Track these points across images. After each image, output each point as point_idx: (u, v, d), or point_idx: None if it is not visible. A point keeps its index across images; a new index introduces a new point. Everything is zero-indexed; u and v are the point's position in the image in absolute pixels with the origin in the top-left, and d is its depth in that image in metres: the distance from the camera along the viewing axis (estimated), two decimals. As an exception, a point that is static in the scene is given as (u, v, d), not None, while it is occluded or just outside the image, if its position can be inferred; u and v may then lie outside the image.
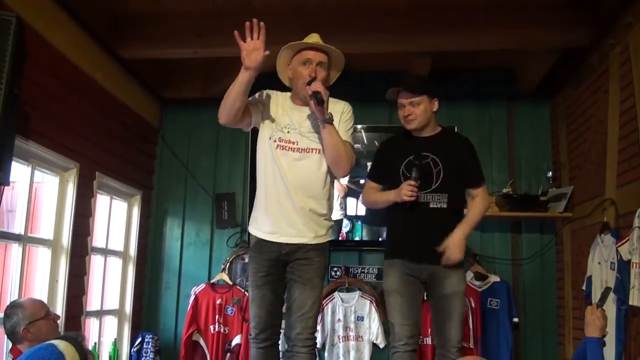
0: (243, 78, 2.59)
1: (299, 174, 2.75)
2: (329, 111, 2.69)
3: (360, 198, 3.38)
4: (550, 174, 4.64)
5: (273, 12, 3.93)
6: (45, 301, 3.08)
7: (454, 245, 2.89)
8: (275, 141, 2.76)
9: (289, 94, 2.91)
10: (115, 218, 4.52)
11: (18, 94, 2.62)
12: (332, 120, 2.71)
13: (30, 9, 3.09)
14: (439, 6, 3.82)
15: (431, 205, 2.95)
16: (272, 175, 2.75)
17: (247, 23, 2.59)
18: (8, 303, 2.94)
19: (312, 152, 2.77)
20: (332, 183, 2.89)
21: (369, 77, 4.88)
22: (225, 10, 3.91)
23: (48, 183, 3.71)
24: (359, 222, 4.74)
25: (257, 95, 2.86)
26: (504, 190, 4.59)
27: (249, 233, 4.70)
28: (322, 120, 2.68)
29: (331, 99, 2.75)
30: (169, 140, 5.12)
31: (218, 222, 4.93)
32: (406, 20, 3.88)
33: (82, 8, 3.64)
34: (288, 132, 2.78)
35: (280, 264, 2.77)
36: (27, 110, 3.08)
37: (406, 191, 2.88)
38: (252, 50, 2.56)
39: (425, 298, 3.10)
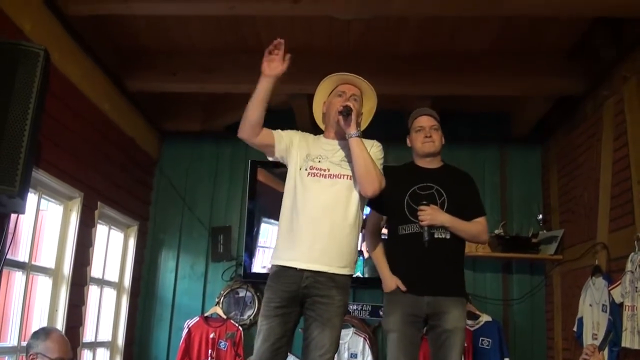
0: (262, 85, 2.64)
1: (327, 200, 2.69)
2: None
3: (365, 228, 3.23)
4: (540, 216, 4.75)
5: (281, 51, 4.03)
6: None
7: (436, 209, 2.90)
8: (306, 169, 2.74)
9: (320, 135, 2.92)
10: (111, 248, 4.49)
11: (39, 125, 2.64)
12: (361, 136, 2.71)
13: (45, 40, 3.09)
14: (441, 53, 3.97)
15: (436, 236, 2.92)
16: (299, 202, 2.69)
17: (278, 40, 2.64)
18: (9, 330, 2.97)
19: (342, 177, 2.73)
20: (361, 213, 2.79)
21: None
22: (234, 47, 4.01)
23: (50, 211, 3.70)
24: (361, 258, 4.61)
25: (284, 130, 2.84)
26: (496, 232, 4.66)
27: (244, 268, 4.68)
28: (350, 134, 2.67)
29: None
30: (167, 172, 5.13)
31: (213, 255, 4.93)
32: (410, 64, 4.03)
33: (94, 41, 3.72)
34: (319, 161, 2.76)
35: (297, 299, 2.62)
36: (39, 138, 3.09)
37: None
38: (273, 60, 2.63)
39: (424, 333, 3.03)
